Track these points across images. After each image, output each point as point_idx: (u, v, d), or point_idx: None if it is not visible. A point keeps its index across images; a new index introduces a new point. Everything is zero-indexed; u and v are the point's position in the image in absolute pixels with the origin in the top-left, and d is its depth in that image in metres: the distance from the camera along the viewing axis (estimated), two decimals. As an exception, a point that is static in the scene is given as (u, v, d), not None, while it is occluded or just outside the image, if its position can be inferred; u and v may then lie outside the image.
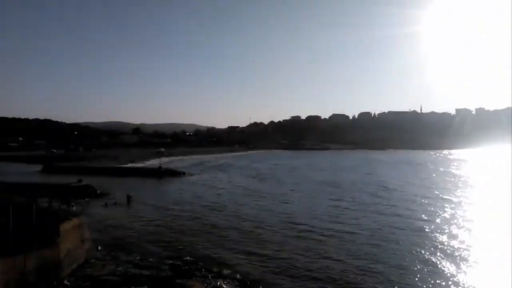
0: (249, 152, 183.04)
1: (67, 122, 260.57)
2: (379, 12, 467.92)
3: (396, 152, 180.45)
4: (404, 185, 55.34)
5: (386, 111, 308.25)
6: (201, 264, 19.99)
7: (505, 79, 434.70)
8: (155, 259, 20.30)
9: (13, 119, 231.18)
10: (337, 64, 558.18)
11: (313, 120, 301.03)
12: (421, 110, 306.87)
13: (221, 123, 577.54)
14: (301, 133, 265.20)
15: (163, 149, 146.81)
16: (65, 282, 14.33)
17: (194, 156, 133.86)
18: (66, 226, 15.55)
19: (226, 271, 18.81)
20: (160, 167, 71.19)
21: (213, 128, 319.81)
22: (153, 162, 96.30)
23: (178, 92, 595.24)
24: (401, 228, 27.76)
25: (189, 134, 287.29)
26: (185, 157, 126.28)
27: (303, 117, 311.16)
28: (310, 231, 26.85)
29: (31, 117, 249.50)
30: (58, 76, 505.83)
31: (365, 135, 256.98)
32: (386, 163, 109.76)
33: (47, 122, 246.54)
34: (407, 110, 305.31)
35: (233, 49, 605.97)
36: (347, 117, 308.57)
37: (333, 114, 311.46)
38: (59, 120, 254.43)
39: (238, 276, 18.05)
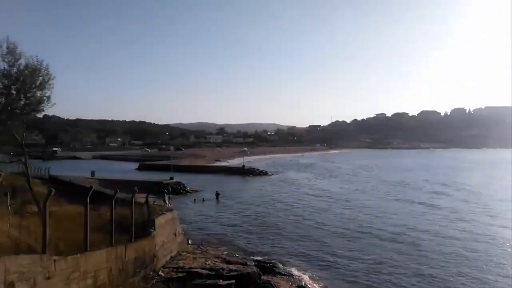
0: (331, 151, 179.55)
1: (160, 123, 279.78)
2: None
3: (494, 151, 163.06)
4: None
5: (483, 107, 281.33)
6: (286, 263, 20.07)
7: None
8: (241, 255, 20.82)
9: (113, 121, 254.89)
10: (425, 57, 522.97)
11: (399, 117, 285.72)
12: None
13: (302, 122, 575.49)
14: (387, 131, 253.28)
15: (246, 148, 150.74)
16: (160, 272, 15.22)
17: (275, 155, 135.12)
18: (161, 220, 16.54)
19: (309, 273, 18.64)
20: (243, 166, 73.00)
21: (294, 127, 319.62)
22: (237, 161, 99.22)
23: (259, 92, 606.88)
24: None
25: (270, 134, 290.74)
26: (267, 156, 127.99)
27: (389, 114, 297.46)
28: (394, 240, 25.28)
29: (128, 119, 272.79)
30: (148, 83, 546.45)
31: (458, 133, 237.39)
32: (485, 164, 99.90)
33: (142, 124, 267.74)
34: (508, 105, 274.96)
35: (312, 48, 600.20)
36: (438, 113, 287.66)
37: (422, 111, 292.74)
38: (153, 122, 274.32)
39: (320, 282, 17.65)
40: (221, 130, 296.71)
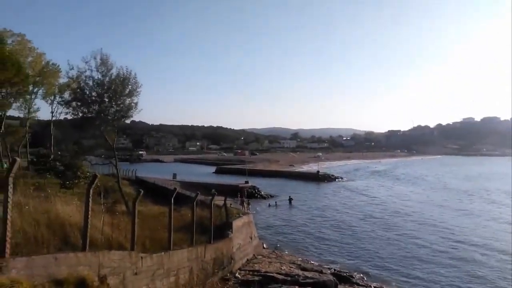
0: (412, 158, 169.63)
1: (235, 128, 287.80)
2: None
3: None
4: None
5: None
6: (364, 274, 19.27)
7: None
8: (316, 262, 20.45)
9: (192, 126, 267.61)
10: None
11: (490, 122, 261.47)
12: None
13: (380, 127, 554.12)
14: (475, 137, 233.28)
15: (320, 154, 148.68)
16: (237, 274, 15.48)
17: (351, 161, 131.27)
18: (238, 223, 16.86)
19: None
20: (318, 172, 71.97)
21: (371, 132, 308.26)
22: (311, 166, 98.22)
23: (334, 97, 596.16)
24: None
25: (346, 139, 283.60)
26: (342, 162, 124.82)
27: (478, 119, 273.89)
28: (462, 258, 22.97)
29: (206, 124, 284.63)
30: (224, 89, 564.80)
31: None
32: None
33: (218, 129, 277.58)
34: None
35: (388, 50, 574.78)
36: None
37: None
38: (229, 127, 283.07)
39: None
40: (295, 135, 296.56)
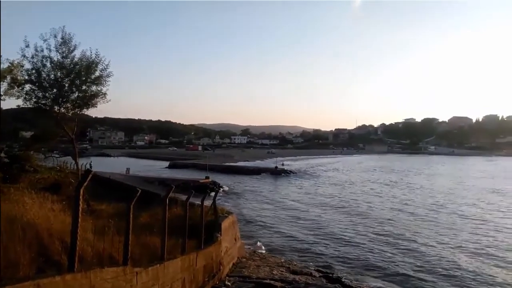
0: (364, 155, 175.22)
1: (184, 123, 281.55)
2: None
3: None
4: None
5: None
6: (345, 271, 18.23)
7: None
8: (299, 263, 19.02)
9: (139, 120, 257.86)
10: (456, 62, 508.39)
11: (429, 122, 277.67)
12: None
13: (326, 126, 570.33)
14: (416, 137, 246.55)
15: (274, 150, 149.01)
16: (226, 282, 13.54)
17: (302, 157, 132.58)
18: (225, 223, 14.89)
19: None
20: (276, 167, 71.26)
21: (319, 130, 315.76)
22: (265, 162, 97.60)
23: (283, 95, 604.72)
24: None
25: (295, 136, 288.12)
26: (294, 158, 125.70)
27: (418, 119, 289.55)
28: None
29: (153, 118, 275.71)
30: (172, 83, 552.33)
31: (491, 139, 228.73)
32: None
33: (167, 123, 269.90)
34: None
35: (338, 55, 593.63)
36: (470, 119, 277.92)
37: (453, 117, 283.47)
38: (178, 122, 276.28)
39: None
40: (245, 131, 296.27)
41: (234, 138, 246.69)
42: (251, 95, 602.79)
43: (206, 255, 12.50)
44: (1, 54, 17.05)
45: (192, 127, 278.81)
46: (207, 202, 15.70)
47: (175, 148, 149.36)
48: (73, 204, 5.77)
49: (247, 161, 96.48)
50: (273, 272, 15.49)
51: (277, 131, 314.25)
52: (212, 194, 25.73)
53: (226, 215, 16.13)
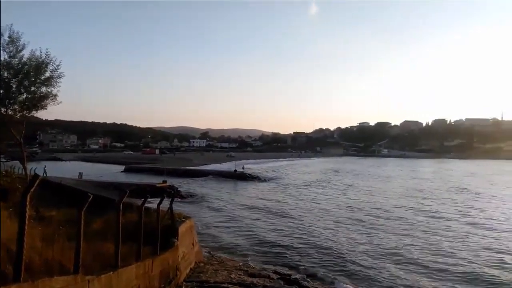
0: (321, 158, 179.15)
1: (141, 126, 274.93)
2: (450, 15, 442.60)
3: (478, 162, 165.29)
4: None
5: (463, 118, 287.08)
6: (305, 272, 18.55)
7: None
8: (257, 266, 19.12)
9: (93, 123, 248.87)
10: (406, 70, 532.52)
11: (382, 126, 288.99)
12: (502, 117, 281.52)
13: (285, 129, 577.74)
14: (370, 140, 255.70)
15: (233, 153, 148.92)
16: (183, 288, 13.41)
17: (262, 161, 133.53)
18: (183, 228, 14.72)
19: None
20: (235, 171, 71.22)
21: (278, 133, 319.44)
22: (226, 165, 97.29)
23: (242, 98, 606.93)
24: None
25: (255, 139, 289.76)
26: (253, 161, 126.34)
27: (372, 123, 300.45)
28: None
29: (108, 121, 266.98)
30: (129, 84, 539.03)
31: (440, 142, 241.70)
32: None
33: (122, 126, 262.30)
34: (487, 117, 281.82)
35: (294, 58, 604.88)
36: (420, 123, 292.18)
37: (405, 121, 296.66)
38: (134, 125, 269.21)
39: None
40: (205, 134, 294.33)
41: (193, 142, 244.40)
42: (210, 98, 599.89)
43: (163, 261, 12.32)
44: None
45: (149, 130, 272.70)
46: (164, 207, 15.49)
47: (131, 152, 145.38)
48: (19, 210, 5.52)
49: (206, 164, 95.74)
50: (231, 276, 15.50)
51: (237, 134, 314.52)
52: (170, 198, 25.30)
53: (183, 219, 15.95)
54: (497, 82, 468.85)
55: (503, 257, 21.00)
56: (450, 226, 29.71)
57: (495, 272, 18.56)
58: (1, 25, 16.55)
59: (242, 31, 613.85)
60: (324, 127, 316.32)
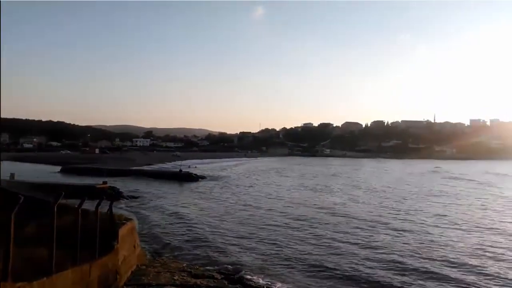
0: (266, 158, 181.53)
1: (80, 124, 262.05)
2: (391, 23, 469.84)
3: (410, 162, 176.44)
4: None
5: (399, 120, 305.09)
6: (247, 271, 18.77)
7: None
8: (201, 266, 19.03)
9: (27, 120, 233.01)
10: (348, 74, 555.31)
11: (325, 127, 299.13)
12: (434, 119, 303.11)
13: (232, 129, 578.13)
14: (314, 140, 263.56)
15: (179, 153, 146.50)
16: (124, 292, 13.05)
17: (208, 160, 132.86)
18: (123, 231, 14.29)
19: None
20: (180, 171, 70.18)
21: (225, 133, 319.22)
22: (170, 165, 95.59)
23: (188, 97, 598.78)
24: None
25: (201, 139, 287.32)
26: (200, 161, 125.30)
27: (316, 124, 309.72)
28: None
29: (44, 119, 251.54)
30: (67, 80, 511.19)
31: (378, 143, 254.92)
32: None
33: (60, 124, 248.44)
34: (421, 119, 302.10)
35: (244, 56, 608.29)
36: (360, 125, 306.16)
37: (346, 122, 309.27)
38: (72, 123, 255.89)
39: None
40: (149, 133, 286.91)
41: (136, 141, 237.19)
42: (155, 96, 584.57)
43: (101, 265, 11.91)
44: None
45: (89, 128, 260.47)
46: (105, 209, 14.95)
47: (69, 151, 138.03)
48: None
49: (150, 164, 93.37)
50: (174, 277, 15.30)
51: (183, 134, 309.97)
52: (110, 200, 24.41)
53: (124, 222, 15.51)
54: (430, 87, 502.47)
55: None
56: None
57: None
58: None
59: (189, 30, 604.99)
60: (270, 127, 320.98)
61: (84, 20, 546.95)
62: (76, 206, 12.47)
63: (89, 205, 13.33)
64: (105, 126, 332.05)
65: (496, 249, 22.80)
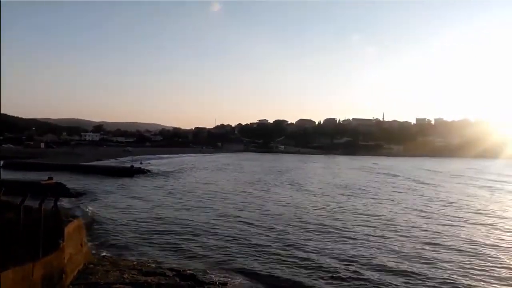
0: (221, 154, 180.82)
1: (25, 117, 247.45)
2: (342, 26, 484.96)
3: (366, 158, 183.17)
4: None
5: (351, 118, 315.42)
6: (201, 266, 18.81)
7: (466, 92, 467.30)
8: (153, 264, 18.77)
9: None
10: (301, 72, 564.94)
11: (280, 124, 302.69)
12: (383, 118, 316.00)
13: (187, 124, 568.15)
14: (269, 137, 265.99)
15: (130, 148, 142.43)
16: (70, 291, 12.63)
17: (162, 156, 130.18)
18: (70, 228, 13.78)
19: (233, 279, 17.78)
20: (132, 166, 68.39)
21: (179, 128, 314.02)
22: (121, 161, 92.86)
23: (141, 90, 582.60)
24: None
25: (154, 134, 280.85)
26: (152, 157, 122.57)
27: (271, 120, 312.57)
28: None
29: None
30: (10, 69, 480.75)
31: (330, 140, 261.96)
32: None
33: (1, 117, 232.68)
34: (371, 118, 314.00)
35: (199, 51, 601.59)
36: (314, 122, 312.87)
37: (300, 119, 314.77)
38: (16, 115, 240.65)
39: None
40: (98, 127, 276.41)
41: (85, 135, 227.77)
42: (106, 89, 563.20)
43: (46, 264, 11.46)
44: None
45: (34, 121, 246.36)
46: (49, 206, 14.32)
47: (12, 146, 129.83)
48: None
49: (100, 160, 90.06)
50: (124, 276, 15.01)
51: (135, 128, 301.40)
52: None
53: (70, 219, 14.98)
54: (379, 87, 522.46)
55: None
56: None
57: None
58: None
59: (144, 23, 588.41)
60: (225, 123, 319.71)
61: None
62: (18, 203, 11.92)
63: (34, 202, 12.78)
64: (52, 119, 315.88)
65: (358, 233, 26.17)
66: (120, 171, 66.08)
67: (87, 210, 32.86)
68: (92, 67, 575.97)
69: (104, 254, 19.38)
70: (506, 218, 33.93)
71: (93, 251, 19.01)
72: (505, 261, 20.46)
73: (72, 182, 49.95)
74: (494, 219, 33.23)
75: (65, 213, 15.88)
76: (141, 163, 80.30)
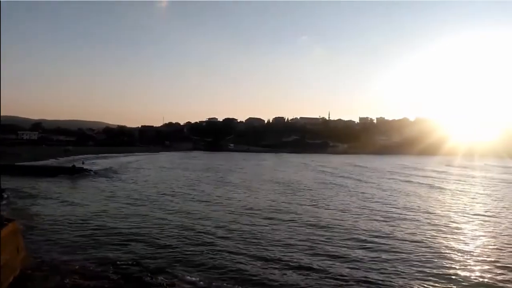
0: (169, 153, 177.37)
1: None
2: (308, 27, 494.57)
3: (313, 156, 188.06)
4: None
5: (298, 117, 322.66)
6: (147, 268, 18.43)
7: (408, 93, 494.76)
8: (96, 267, 18.08)
9: None
10: (251, 71, 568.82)
11: (230, 122, 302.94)
12: (329, 117, 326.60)
13: (132, 122, 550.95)
14: (219, 135, 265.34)
15: (71, 147, 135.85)
16: (4, 300, 11.89)
17: (106, 155, 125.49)
18: (4, 232, 12.93)
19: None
20: (73, 166, 65.24)
21: (125, 126, 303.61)
22: (61, 161, 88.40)
23: (82, 86, 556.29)
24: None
25: (98, 132, 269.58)
26: (95, 156, 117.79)
27: (220, 119, 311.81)
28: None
29: None
30: None
31: (279, 138, 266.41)
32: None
33: None
34: (317, 116, 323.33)
35: (146, 47, 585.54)
36: (263, 120, 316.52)
37: (249, 118, 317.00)
38: None
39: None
40: (37, 125, 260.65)
41: (22, 134, 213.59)
42: (44, 84, 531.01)
43: (-24, 271, 10.70)
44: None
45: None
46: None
47: None
48: None
49: (39, 160, 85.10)
50: (65, 281, 14.39)
51: (76, 126, 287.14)
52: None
53: (5, 223, 14.05)
54: (326, 86, 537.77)
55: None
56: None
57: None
58: None
59: (89, 18, 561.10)
60: (174, 121, 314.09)
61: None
62: None
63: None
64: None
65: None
66: (60, 171, 62.80)
67: (25, 212, 30.92)
68: (29, 60, 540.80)
69: (43, 258, 18.38)
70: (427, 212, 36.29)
71: (33, 256, 17.96)
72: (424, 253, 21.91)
73: (7, 183, 46.61)
74: (417, 213, 35.05)
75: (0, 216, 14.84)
76: (83, 163, 76.98)
